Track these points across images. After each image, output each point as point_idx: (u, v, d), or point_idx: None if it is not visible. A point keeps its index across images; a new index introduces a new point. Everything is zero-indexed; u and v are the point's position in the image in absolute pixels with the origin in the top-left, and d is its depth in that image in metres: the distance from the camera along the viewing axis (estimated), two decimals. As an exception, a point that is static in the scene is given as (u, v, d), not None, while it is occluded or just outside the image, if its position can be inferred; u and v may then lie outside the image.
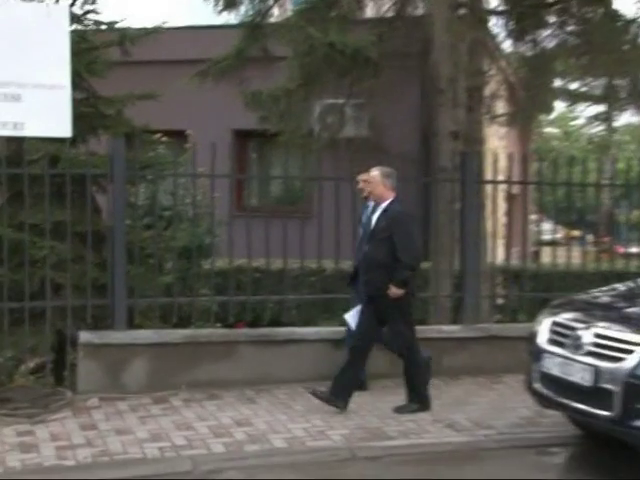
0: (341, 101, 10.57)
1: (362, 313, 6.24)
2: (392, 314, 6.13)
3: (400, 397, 6.39)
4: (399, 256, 5.99)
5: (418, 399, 6.24)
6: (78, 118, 6.50)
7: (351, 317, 6.40)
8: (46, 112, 6.24)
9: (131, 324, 6.83)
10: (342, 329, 7.28)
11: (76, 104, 6.53)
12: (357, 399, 6.34)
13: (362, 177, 6.65)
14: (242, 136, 12.30)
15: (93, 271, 6.68)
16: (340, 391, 6.12)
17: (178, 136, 9.23)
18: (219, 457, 5.26)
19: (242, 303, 7.23)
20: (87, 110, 7.01)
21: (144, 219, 7.50)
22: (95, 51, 7.17)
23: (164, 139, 8.25)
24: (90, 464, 5.07)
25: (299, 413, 6.14)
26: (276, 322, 7.38)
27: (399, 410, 6.18)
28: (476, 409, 6.34)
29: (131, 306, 6.83)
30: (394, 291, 6.00)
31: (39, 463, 5.03)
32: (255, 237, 6.98)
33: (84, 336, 6.55)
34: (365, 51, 9.16)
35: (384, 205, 6.16)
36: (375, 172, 6.24)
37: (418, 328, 7.41)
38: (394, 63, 9.55)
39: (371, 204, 6.53)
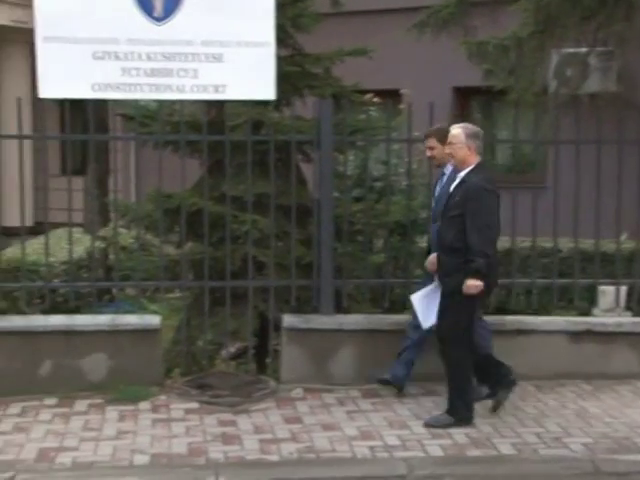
0: (584, 50, 10.14)
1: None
2: (454, 302, 5.71)
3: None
4: (467, 239, 5.61)
5: (455, 411, 5.80)
6: (282, 78, 6.70)
7: (418, 299, 6.09)
8: (249, 73, 6.49)
9: (338, 308, 6.99)
10: (581, 319, 7.06)
11: (280, 63, 6.72)
12: (599, 403, 6.12)
13: (429, 143, 6.38)
14: (464, 94, 12.17)
15: (297, 248, 6.89)
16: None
17: (391, 96, 9.28)
18: (437, 461, 5.28)
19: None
20: (292, 69, 7.19)
21: (353, 191, 7.62)
22: (301, 3, 7.34)
23: (375, 100, 8.32)
24: (295, 460, 5.27)
25: (530, 416, 6.02)
26: (502, 310, 7.25)
27: (430, 422, 5.84)
28: None
29: (338, 288, 6.98)
30: (470, 284, 5.58)
31: (241, 456, 5.30)
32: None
33: (288, 320, 6.79)
34: (616, -14, 8.71)
35: (463, 174, 5.78)
36: (458, 130, 5.81)
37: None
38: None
39: (447, 172, 6.27)
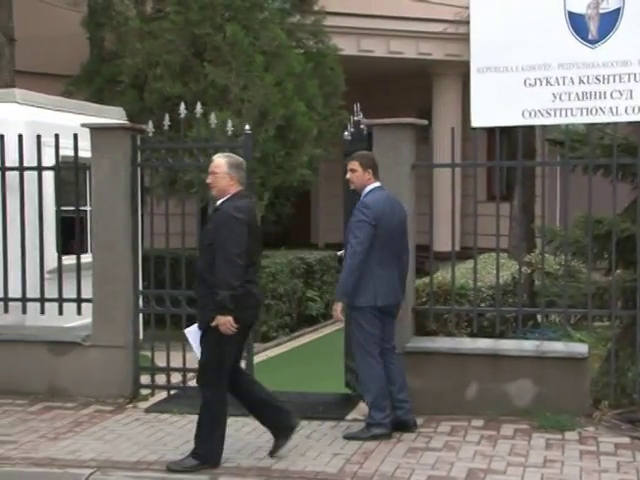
0: None
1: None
2: (205, 338, 5.43)
3: None
4: (215, 270, 5.31)
5: (198, 454, 5.41)
6: None
7: (191, 334, 5.57)
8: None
9: None
10: None
11: None
12: None
13: (352, 165, 6.09)
14: None
15: None
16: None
17: None
18: None
19: None
20: None
21: None
22: None
23: None
24: None
25: None
26: None
27: (171, 467, 5.39)
28: None
29: None
30: (218, 320, 5.27)
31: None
32: None
33: None
34: None
35: (219, 202, 5.55)
36: (221, 160, 5.57)
37: None
38: None
39: None
